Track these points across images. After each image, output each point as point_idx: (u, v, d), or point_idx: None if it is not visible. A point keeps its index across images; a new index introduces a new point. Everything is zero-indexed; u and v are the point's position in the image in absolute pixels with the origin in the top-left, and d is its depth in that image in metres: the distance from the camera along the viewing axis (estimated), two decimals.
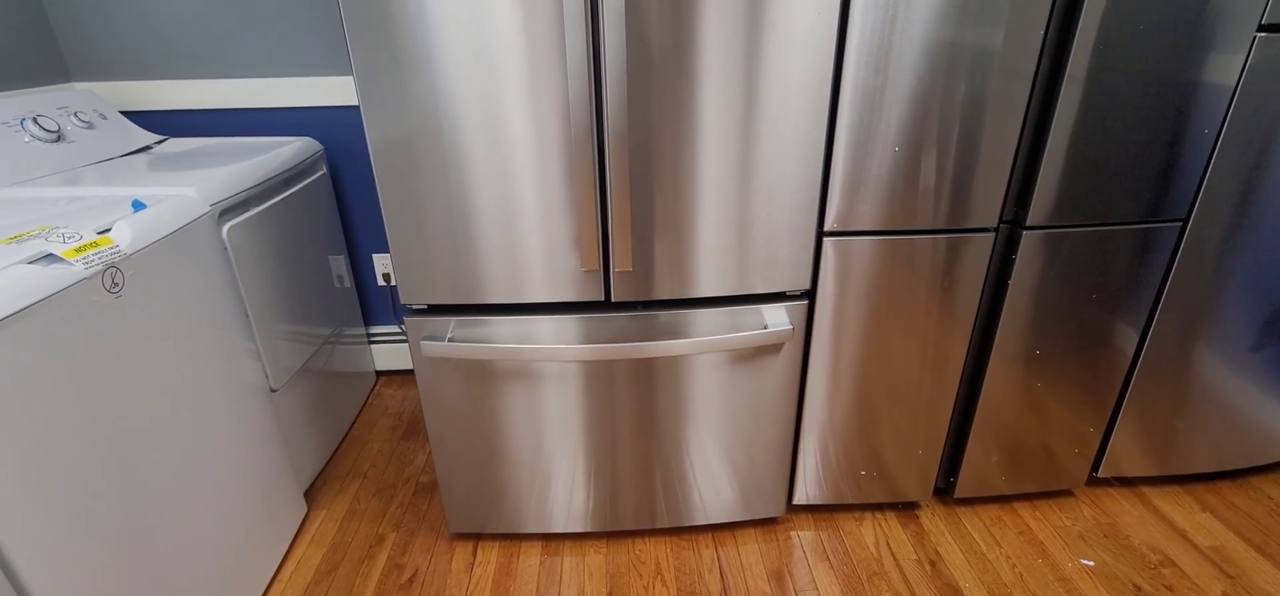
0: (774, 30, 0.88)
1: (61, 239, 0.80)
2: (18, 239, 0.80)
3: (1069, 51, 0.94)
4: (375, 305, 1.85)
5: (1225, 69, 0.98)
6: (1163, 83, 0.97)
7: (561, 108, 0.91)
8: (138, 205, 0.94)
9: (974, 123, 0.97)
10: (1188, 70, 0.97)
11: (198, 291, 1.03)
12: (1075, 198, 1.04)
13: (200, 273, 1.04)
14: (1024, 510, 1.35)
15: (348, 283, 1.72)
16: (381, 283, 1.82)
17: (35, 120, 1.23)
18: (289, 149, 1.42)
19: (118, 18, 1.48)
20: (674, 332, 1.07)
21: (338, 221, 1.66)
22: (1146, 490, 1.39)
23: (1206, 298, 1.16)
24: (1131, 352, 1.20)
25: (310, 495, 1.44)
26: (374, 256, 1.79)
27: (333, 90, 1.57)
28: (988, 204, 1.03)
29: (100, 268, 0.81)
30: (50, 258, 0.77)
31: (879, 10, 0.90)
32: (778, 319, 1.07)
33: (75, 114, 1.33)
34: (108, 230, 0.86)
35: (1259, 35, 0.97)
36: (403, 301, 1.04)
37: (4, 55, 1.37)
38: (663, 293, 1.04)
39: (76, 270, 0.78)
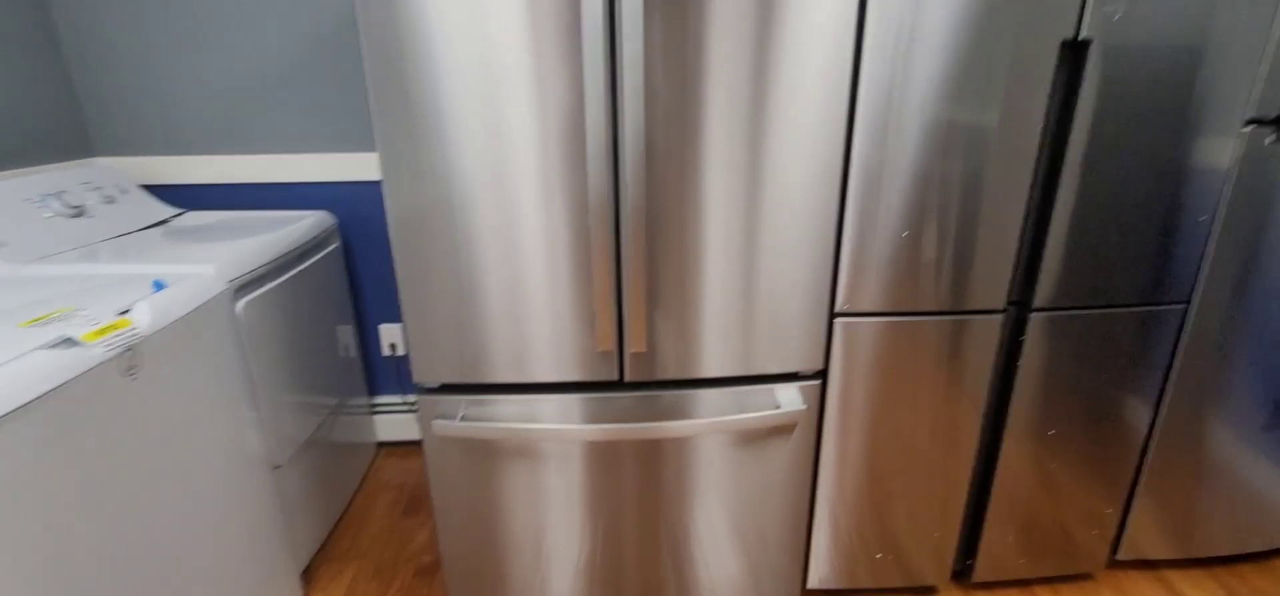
0: (783, 123, 0.92)
1: (82, 321, 0.80)
2: (39, 321, 0.80)
3: (1068, 140, 0.98)
4: (380, 375, 1.84)
5: (1217, 159, 1.01)
6: (1160, 172, 1.01)
7: (578, 192, 0.93)
8: (159, 285, 0.95)
9: (980, 206, 1.00)
10: (1183, 160, 1.01)
11: (209, 368, 1.02)
12: (1080, 280, 1.06)
13: (213, 349, 1.04)
14: (1044, 594, 1.30)
15: (353, 353, 1.72)
16: (387, 353, 1.81)
17: (58, 197, 1.26)
18: (304, 223, 1.44)
19: (145, 97, 1.53)
20: (687, 413, 1.06)
21: (347, 292, 1.67)
22: (1168, 573, 1.36)
23: (1216, 377, 1.16)
24: (1145, 432, 1.19)
25: (307, 575, 1.39)
26: (381, 326, 1.79)
27: (349, 166, 1.61)
28: (995, 286, 1.05)
29: (119, 350, 0.81)
30: (69, 341, 0.77)
31: (883, 98, 0.94)
32: (790, 399, 1.07)
33: (96, 189, 1.36)
34: (128, 312, 0.87)
35: (1247, 129, 1.01)
36: (415, 379, 1.04)
37: (34, 133, 1.41)
38: (676, 373, 1.04)
39: (94, 354, 0.78)
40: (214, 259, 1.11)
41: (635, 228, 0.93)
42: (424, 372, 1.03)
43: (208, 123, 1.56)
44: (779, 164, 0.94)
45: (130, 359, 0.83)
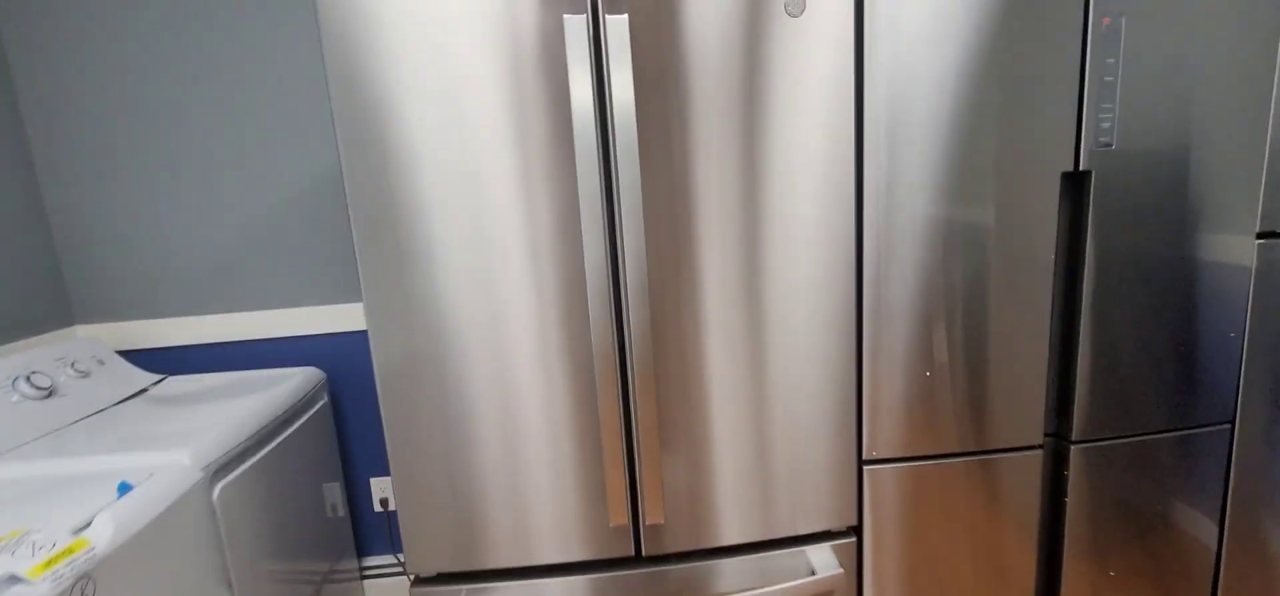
0: (798, 268, 0.89)
1: (31, 549, 0.71)
2: None
3: (1082, 269, 0.96)
4: (370, 533, 1.71)
5: (1236, 275, 0.99)
6: (1180, 294, 0.98)
7: (580, 354, 0.88)
8: (124, 487, 0.86)
9: (1004, 340, 0.96)
10: (1201, 280, 0.98)
11: (179, 570, 0.92)
12: (1117, 408, 1.00)
13: (185, 547, 0.94)
14: None
15: (341, 511, 1.59)
16: (378, 509, 1.69)
17: (28, 379, 1.19)
18: (291, 384, 1.37)
19: (127, 262, 1.50)
20: (711, 588, 0.96)
21: (336, 448, 1.57)
22: None
23: (1275, 496, 1.08)
24: (1211, 563, 1.09)
25: None
26: (371, 480, 1.68)
27: (336, 317, 1.56)
28: (1030, 420, 0.99)
29: (69, 582, 0.71)
30: (13, 579, 0.67)
31: (887, 238, 0.92)
32: (825, 562, 0.97)
33: (72, 364, 1.29)
34: (86, 529, 0.77)
35: (1258, 242, 1.00)
36: (409, 569, 0.93)
37: (14, 308, 1.36)
38: (697, 542, 0.95)
39: (41, 593, 0.68)
40: (189, 442, 1.03)
41: (644, 386, 0.87)
42: (419, 560, 0.93)
43: (191, 283, 1.52)
44: (784, 310, 0.91)
45: (83, 589, 0.73)
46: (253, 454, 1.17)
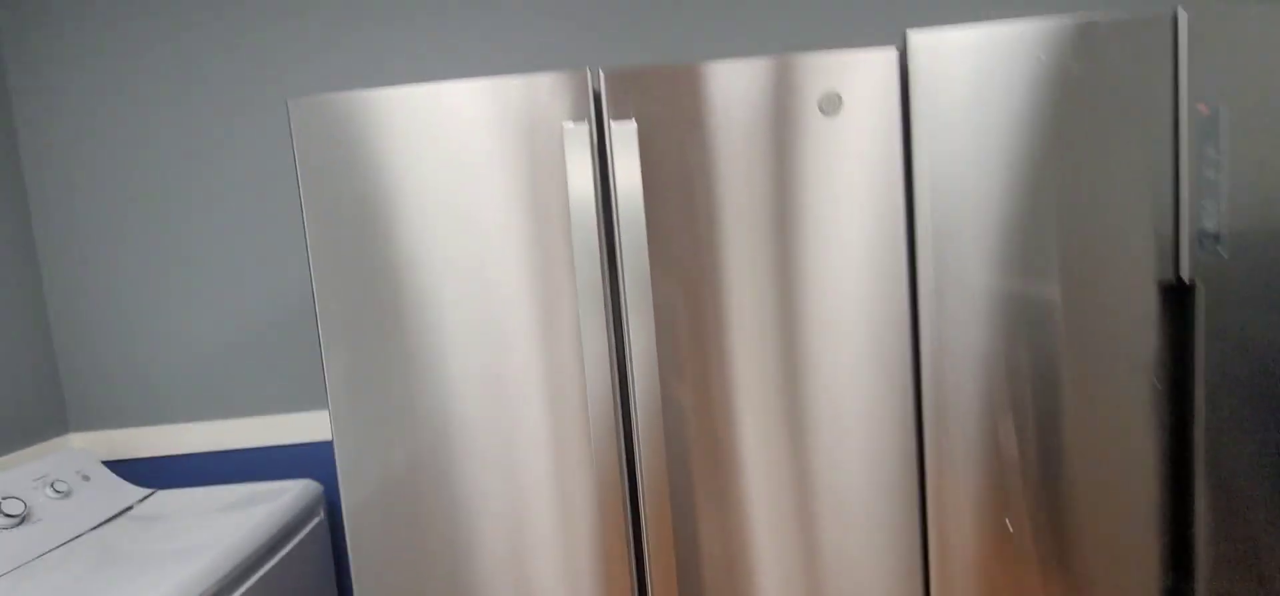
0: (846, 403, 0.75)
1: None
2: None
3: (1192, 397, 0.79)
4: None
5: None
6: None
7: (587, 511, 0.75)
8: None
9: (1103, 481, 0.79)
10: None
11: None
12: (1247, 559, 0.81)
13: None
14: None
15: None
16: None
17: (0, 505, 1.11)
18: (284, 500, 1.27)
19: (126, 368, 1.44)
20: None
21: (332, 565, 1.45)
22: None
23: None
24: None
25: None
26: None
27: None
28: (1141, 580, 0.80)
29: None
30: None
31: (947, 376, 0.77)
32: None
33: (51, 484, 1.21)
34: None
35: None
36: None
37: (11, 416, 1.31)
38: None
39: None
40: (155, 589, 0.92)
41: (659, 541, 0.73)
42: None
43: (188, 389, 1.45)
44: (833, 454, 0.76)
45: None
46: (236, 587, 1.05)
